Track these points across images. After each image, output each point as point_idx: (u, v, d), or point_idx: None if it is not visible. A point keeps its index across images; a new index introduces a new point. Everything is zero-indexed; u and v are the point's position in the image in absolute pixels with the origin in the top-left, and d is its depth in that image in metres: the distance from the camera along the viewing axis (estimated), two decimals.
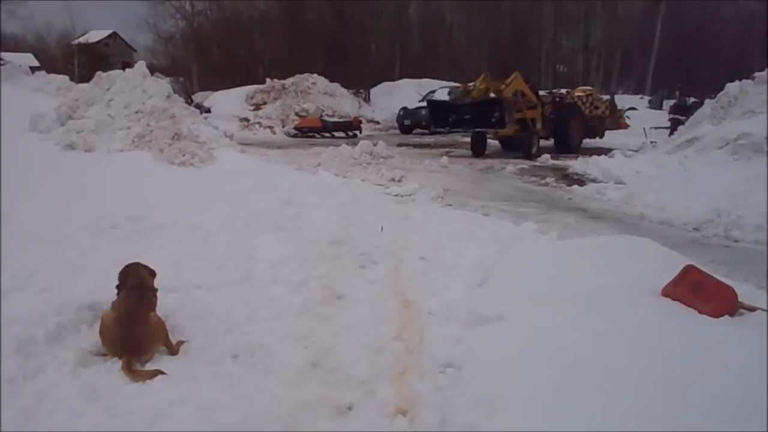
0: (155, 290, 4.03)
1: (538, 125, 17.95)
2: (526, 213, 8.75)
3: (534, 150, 16.98)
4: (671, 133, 17.81)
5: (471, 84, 17.66)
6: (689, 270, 3.86)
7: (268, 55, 45.76)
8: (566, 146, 18.35)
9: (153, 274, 4.14)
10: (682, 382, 2.80)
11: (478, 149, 17.78)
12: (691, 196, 8.78)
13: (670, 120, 21.05)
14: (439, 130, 19.27)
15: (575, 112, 19.49)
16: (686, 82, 42.48)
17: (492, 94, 16.67)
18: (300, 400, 3.15)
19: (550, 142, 18.72)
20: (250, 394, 3.19)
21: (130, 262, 4.14)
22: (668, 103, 31.30)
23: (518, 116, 16.92)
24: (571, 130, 18.68)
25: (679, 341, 3.20)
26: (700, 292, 3.66)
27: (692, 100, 22.76)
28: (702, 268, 3.98)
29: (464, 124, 17.34)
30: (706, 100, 15.30)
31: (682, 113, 20.17)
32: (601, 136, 20.97)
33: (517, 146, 17.49)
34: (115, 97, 9.76)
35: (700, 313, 3.54)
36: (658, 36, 44.35)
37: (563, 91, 21.95)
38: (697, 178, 9.41)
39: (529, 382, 3.02)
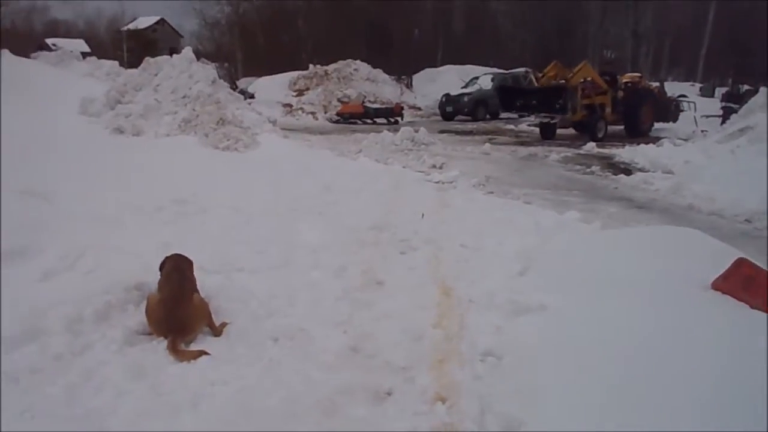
0: (193, 279, 4.07)
1: (607, 110, 18.22)
2: (569, 202, 8.61)
3: (601, 134, 17.34)
4: (723, 122, 17.27)
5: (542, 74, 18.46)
6: (740, 263, 3.74)
7: (312, 41, 45.89)
8: (636, 131, 18.52)
9: (191, 264, 4.18)
10: (731, 377, 2.72)
11: (547, 134, 18.32)
12: (742, 186, 8.52)
13: (722, 108, 20.46)
14: (506, 113, 20.00)
15: (646, 97, 19.42)
16: (739, 69, 41.12)
17: (561, 81, 17.21)
18: (338, 385, 3.16)
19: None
20: (289, 378, 3.22)
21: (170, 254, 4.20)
22: (720, 91, 30.41)
23: (586, 101, 17.45)
24: (642, 115, 18.80)
25: (730, 336, 3.11)
26: (752, 286, 3.55)
27: (746, 87, 22.10)
28: (754, 262, 3.86)
29: (530, 108, 18.05)
30: (761, 88, 14.79)
31: (734, 101, 19.64)
32: (674, 120, 20.78)
33: (585, 129, 17.72)
34: (163, 82, 9.93)
35: (751, 307, 3.44)
36: (711, 22, 42.98)
37: (637, 75, 21.69)
38: (749, 168, 9.13)
39: (571, 374, 2.98)
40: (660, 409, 2.59)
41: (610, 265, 4.50)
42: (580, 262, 4.76)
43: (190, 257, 4.21)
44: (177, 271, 3.97)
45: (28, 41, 38.41)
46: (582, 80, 17.37)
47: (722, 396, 2.61)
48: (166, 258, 4.13)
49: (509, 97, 18.79)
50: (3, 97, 8.99)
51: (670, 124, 20.36)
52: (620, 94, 18.80)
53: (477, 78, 28.42)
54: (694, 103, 22.67)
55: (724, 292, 3.64)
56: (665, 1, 45.08)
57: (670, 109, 20.68)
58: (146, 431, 2.73)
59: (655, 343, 3.08)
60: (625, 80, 20.30)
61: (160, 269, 4.07)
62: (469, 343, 3.64)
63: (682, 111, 21.76)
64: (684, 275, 3.98)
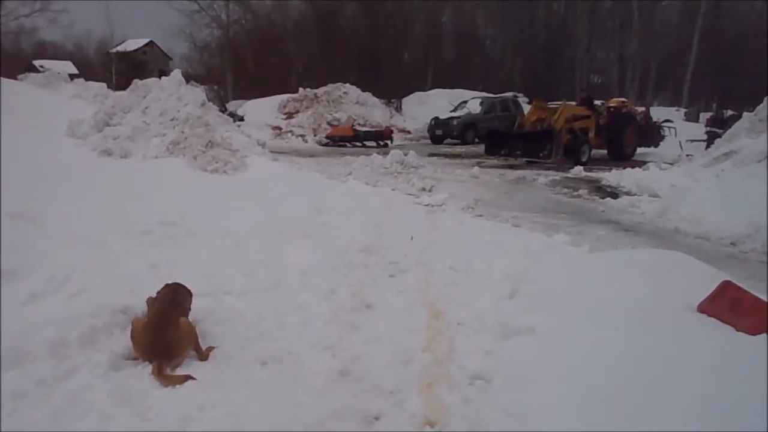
0: (187, 309, 4.04)
1: (591, 134, 18.44)
2: (557, 225, 8.65)
3: (585, 158, 17.54)
4: (708, 146, 17.47)
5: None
6: (726, 286, 3.78)
7: (302, 64, 46.16)
8: (620, 154, 18.89)
9: (190, 294, 4.16)
10: (717, 399, 2.73)
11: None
12: (728, 210, 8.59)
13: (706, 133, 20.67)
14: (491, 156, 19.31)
15: (629, 121, 19.85)
16: (724, 94, 41.63)
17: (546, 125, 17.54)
18: (328, 409, 3.14)
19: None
20: (278, 402, 3.19)
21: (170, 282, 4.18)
22: (705, 116, 30.76)
23: (566, 126, 17.47)
24: (625, 139, 19.23)
25: (716, 358, 3.12)
26: (738, 308, 3.58)
27: (730, 112, 22.31)
28: (739, 284, 3.88)
29: (516, 154, 17.93)
30: (744, 113, 14.99)
31: (719, 126, 19.81)
32: (656, 144, 20.96)
33: (570, 154, 17.57)
34: (151, 104, 9.90)
35: (737, 330, 3.46)
36: (696, 48, 43.63)
37: (622, 100, 21.93)
38: (735, 192, 9.22)
39: (560, 396, 2.97)
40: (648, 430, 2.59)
41: (598, 287, 4.53)
42: (569, 285, 4.78)
43: (179, 280, 4.18)
44: (166, 295, 3.95)
45: (15, 63, 38.43)
46: (565, 120, 17.45)
47: (709, 418, 2.61)
48: (166, 285, 4.11)
49: (495, 143, 18.75)
50: None
51: (654, 148, 20.55)
52: (603, 118, 19.07)
53: (466, 102, 28.64)
54: (675, 128, 22.89)
55: (709, 315, 3.67)
56: (650, 26, 45.74)
57: (653, 134, 20.93)
58: None
59: (643, 365, 3.09)
60: (610, 105, 20.50)
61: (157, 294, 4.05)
62: (458, 366, 3.63)
63: (665, 136, 21.88)
64: (670, 298, 4.01)
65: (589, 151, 18.12)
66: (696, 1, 44.37)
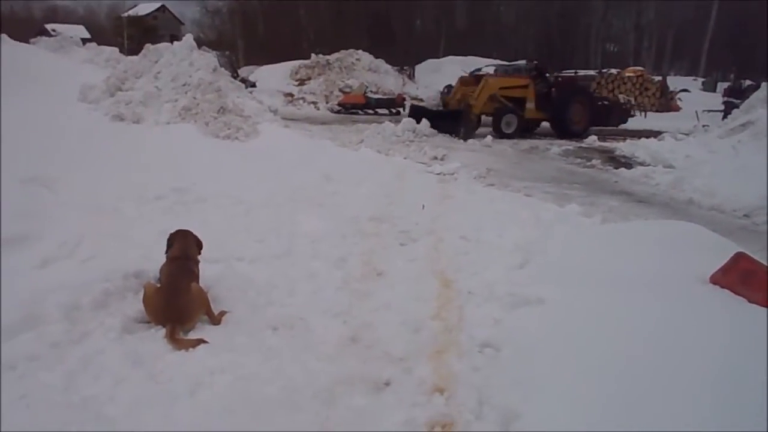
0: (197, 261, 4.10)
1: (529, 105, 16.91)
2: (569, 195, 8.60)
3: (509, 130, 16.31)
4: (725, 117, 17.21)
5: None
6: (739, 257, 3.74)
7: (313, 30, 45.78)
8: (564, 130, 17.10)
9: (199, 244, 4.22)
10: (730, 371, 2.72)
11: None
12: (742, 181, 8.52)
13: (723, 103, 20.42)
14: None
15: (578, 93, 18.04)
16: (742, 64, 41.03)
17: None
18: (337, 375, 3.17)
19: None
20: (288, 367, 3.22)
21: (180, 228, 4.23)
22: (722, 86, 30.36)
23: (502, 95, 16.53)
24: (572, 115, 17.19)
25: (728, 330, 3.11)
26: (751, 280, 3.55)
27: (748, 83, 22.03)
28: (753, 256, 3.85)
29: (438, 127, 16.22)
30: (763, 83, 14.76)
31: (736, 96, 19.54)
32: (615, 123, 19.10)
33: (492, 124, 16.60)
34: (163, 69, 9.85)
35: (750, 301, 3.44)
36: (714, 17, 42.81)
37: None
38: (750, 163, 9.12)
39: (569, 367, 2.98)
40: (658, 404, 2.59)
41: (609, 258, 4.51)
42: (580, 256, 4.76)
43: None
44: (177, 259, 3.98)
45: (27, 27, 38.31)
46: (489, 98, 16.36)
47: (721, 391, 2.61)
48: (175, 232, 4.17)
49: (420, 116, 16.87)
50: (2, 84, 8.96)
51: (673, 117, 20.19)
52: (543, 89, 17.37)
53: (480, 69, 28.31)
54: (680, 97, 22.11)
55: (722, 286, 3.64)
56: None
57: (612, 111, 19.06)
58: (144, 418, 2.73)
59: (654, 337, 3.08)
60: (627, 74, 20.09)
61: (167, 242, 4.12)
62: (467, 334, 3.64)
63: (632, 116, 20.87)
64: (683, 269, 3.98)
65: (517, 124, 16.57)
66: None
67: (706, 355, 2.87)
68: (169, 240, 4.16)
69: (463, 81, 17.83)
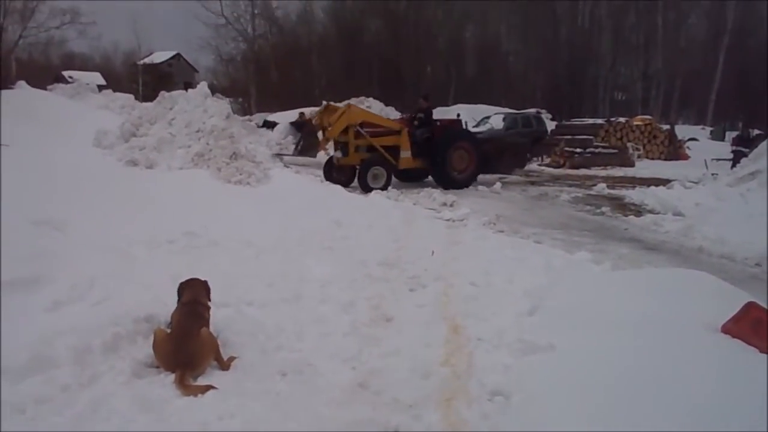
0: (208, 306, 4.11)
1: (404, 154, 14.56)
2: (579, 242, 8.59)
3: (378, 185, 13.58)
4: (733, 166, 17.25)
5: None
6: (751, 307, 3.71)
7: (325, 77, 46.60)
8: (446, 180, 14.73)
9: (208, 289, 4.23)
10: (741, 421, 2.69)
11: (328, 175, 14.61)
12: (753, 230, 8.46)
13: (732, 152, 20.44)
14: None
15: (460, 139, 15.43)
16: (749, 113, 41.24)
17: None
18: (346, 421, 3.15)
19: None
20: (297, 413, 3.21)
21: (189, 277, 4.25)
22: (731, 135, 30.48)
23: (363, 142, 14.33)
24: (454, 162, 14.90)
25: (739, 379, 3.07)
26: (762, 330, 3.52)
27: (756, 132, 22.10)
28: (764, 306, 3.82)
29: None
30: None
31: (744, 145, 19.57)
32: (508, 170, 16.97)
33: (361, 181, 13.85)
34: (177, 115, 10.04)
35: (762, 351, 3.40)
36: (721, 66, 43.24)
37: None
38: (760, 211, 9.08)
39: (580, 415, 2.95)
40: None
41: (620, 306, 4.48)
42: (590, 303, 4.74)
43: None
44: (187, 305, 3.99)
45: (45, 73, 39.19)
46: (356, 125, 14.18)
47: None
48: (185, 281, 4.17)
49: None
50: (19, 128, 9.15)
51: (682, 166, 20.16)
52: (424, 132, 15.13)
53: (488, 117, 28.58)
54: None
55: (733, 336, 3.61)
56: (675, 44, 45.48)
57: (505, 157, 16.66)
58: None
59: (665, 386, 3.05)
60: (636, 122, 19.97)
61: (178, 292, 4.14)
62: (477, 381, 3.62)
63: (529, 160, 19.63)
64: (694, 318, 3.96)
65: (387, 176, 14.00)
66: (722, 19, 43.96)
67: (717, 404, 2.84)
68: (179, 290, 4.17)
69: (328, 106, 15.34)
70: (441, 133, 15.29)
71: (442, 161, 14.70)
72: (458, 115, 19.02)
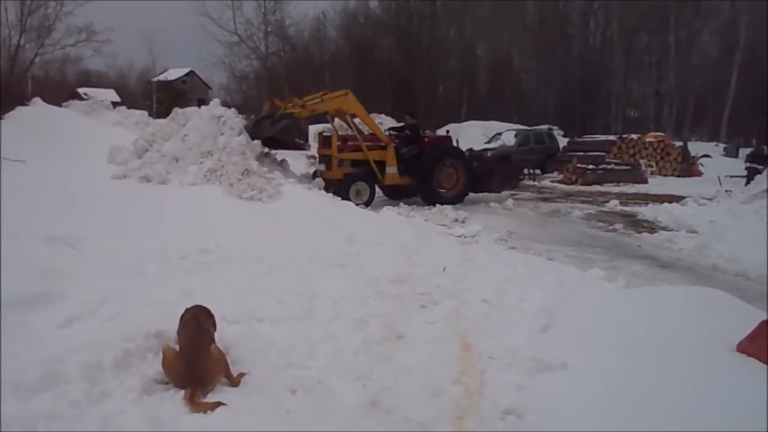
0: (210, 331, 4.06)
1: (390, 170, 14.00)
2: (592, 259, 8.53)
3: (361, 200, 13.00)
4: (748, 183, 17.12)
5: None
6: (766, 325, 3.67)
7: None
8: (432, 198, 14.04)
9: (211, 315, 4.19)
10: None
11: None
12: None
13: (746, 169, 20.29)
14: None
15: (448, 156, 14.91)
16: (763, 130, 40.92)
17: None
18: None
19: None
20: (307, 430, 3.18)
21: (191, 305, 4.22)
22: (744, 151, 30.26)
23: (352, 156, 13.83)
24: (441, 179, 14.46)
25: (755, 399, 3.02)
26: None
27: None
28: None
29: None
30: None
31: (759, 162, 19.44)
32: (499, 189, 16.19)
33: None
34: (190, 132, 10.11)
35: None
36: (734, 84, 43.04)
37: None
38: None
39: None
40: None
41: (633, 324, 4.43)
42: (604, 320, 4.69)
43: (212, 306, 4.22)
44: (194, 320, 3.98)
45: (61, 90, 39.70)
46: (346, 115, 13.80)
47: None
48: (186, 310, 4.15)
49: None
50: (34, 145, 9.26)
51: (696, 183, 19.99)
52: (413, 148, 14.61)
53: (501, 134, 28.58)
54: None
55: (749, 355, 3.55)
56: (688, 61, 45.36)
57: (493, 174, 16.03)
58: None
59: (679, 405, 3.01)
60: (648, 139, 19.77)
61: (181, 320, 4.10)
62: (489, 400, 3.58)
63: (522, 179, 18.94)
64: (708, 336, 3.91)
65: (370, 192, 13.57)
66: (734, 36, 43.82)
67: (732, 424, 2.79)
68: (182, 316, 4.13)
69: (285, 101, 14.07)
70: (428, 149, 14.79)
71: (428, 178, 14.22)
72: (447, 131, 18.53)
